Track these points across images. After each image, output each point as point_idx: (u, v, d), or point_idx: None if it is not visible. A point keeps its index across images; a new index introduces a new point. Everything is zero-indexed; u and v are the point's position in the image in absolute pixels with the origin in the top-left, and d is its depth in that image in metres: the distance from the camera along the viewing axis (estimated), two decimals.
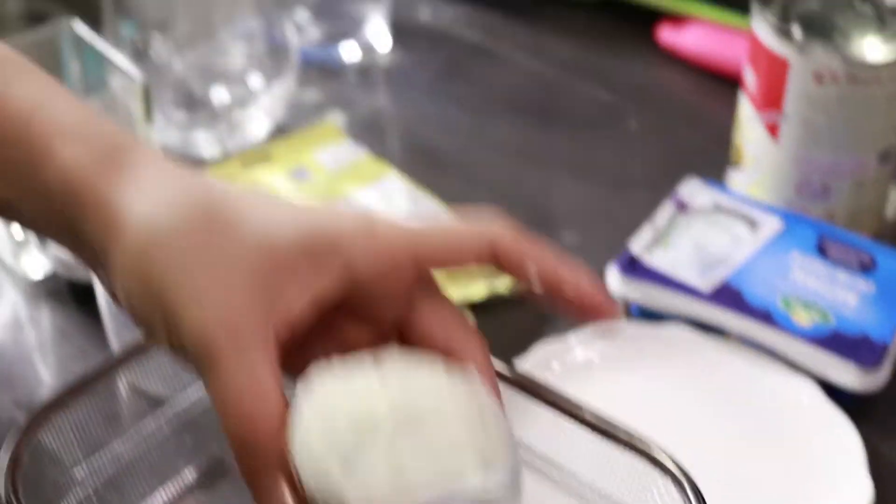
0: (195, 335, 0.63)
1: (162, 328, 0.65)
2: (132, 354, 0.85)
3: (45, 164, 0.67)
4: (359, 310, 0.69)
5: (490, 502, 0.65)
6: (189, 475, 0.92)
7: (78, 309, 1.16)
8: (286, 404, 0.65)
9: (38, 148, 0.67)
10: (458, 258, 0.69)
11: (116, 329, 1.03)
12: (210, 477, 0.93)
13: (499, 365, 0.78)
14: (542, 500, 0.85)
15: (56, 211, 0.68)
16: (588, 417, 0.80)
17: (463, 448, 0.65)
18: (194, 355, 0.64)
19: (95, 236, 0.66)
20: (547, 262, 0.69)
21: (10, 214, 0.71)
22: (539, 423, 0.84)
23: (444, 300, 0.71)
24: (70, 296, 1.18)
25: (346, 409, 0.65)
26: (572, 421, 0.80)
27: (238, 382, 0.63)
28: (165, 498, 0.90)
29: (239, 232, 0.65)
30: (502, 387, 0.73)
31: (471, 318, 0.86)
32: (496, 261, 0.68)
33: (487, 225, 0.69)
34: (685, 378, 1.05)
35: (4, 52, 0.72)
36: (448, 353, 0.70)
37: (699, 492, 0.75)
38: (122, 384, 0.88)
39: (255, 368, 0.63)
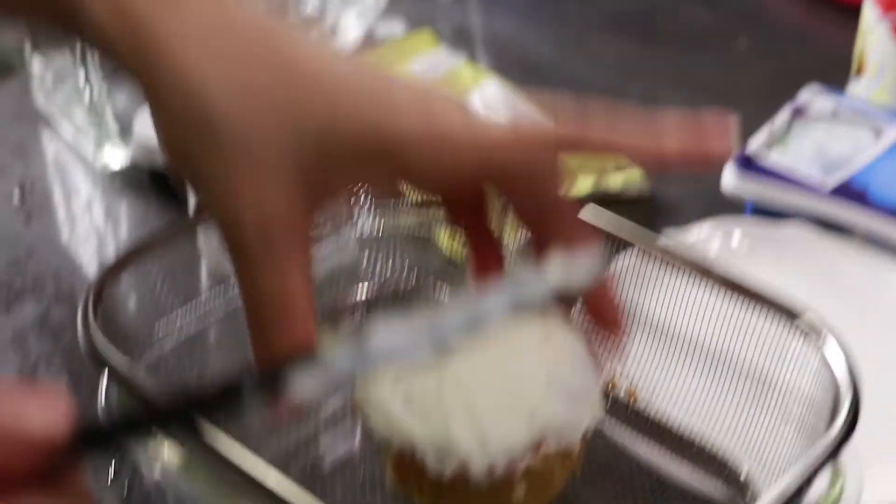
0: (227, 225, 0.57)
1: (197, 187, 0.58)
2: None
3: None
4: None
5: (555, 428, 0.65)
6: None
7: (158, 198, 1.12)
8: (314, 312, 0.59)
9: None
10: (530, 165, 0.61)
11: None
12: None
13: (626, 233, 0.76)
14: (674, 373, 0.79)
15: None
16: (721, 275, 0.74)
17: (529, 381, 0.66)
18: (225, 242, 0.57)
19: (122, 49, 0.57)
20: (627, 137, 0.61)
21: None
22: (665, 293, 0.79)
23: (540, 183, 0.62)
24: (150, 186, 1.14)
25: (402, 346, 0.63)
26: (704, 283, 0.75)
27: (265, 287, 0.57)
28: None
29: (297, 110, 0.56)
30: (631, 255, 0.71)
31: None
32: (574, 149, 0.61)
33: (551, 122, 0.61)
34: (805, 276, 0.98)
35: None
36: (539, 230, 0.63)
37: (841, 346, 0.69)
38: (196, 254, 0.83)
39: (284, 274, 0.57)
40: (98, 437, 0.44)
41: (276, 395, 0.44)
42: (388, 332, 0.44)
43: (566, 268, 0.46)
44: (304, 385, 0.43)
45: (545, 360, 0.67)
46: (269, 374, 0.43)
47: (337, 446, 0.81)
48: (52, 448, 0.43)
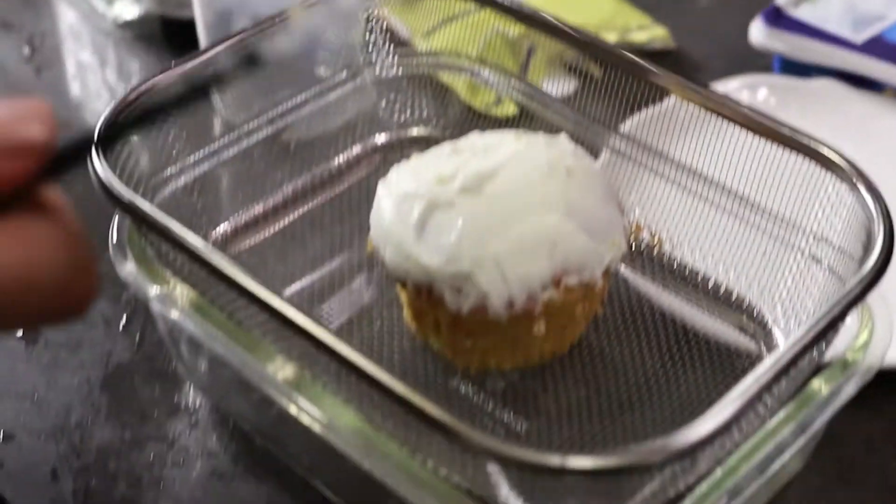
0: None
1: None
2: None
3: None
4: None
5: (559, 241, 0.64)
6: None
7: (170, 48, 1.10)
8: None
9: None
10: None
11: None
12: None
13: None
14: (701, 220, 0.77)
15: None
16: (755, 119, 0.71)
17: (533, 197, 0.65)
18: None
19: None
20: None
21: None
22: (695, 140, 0.77)
23: None
24: (162, 36, 1.11)
25: (418, 184, 0.66)
26: (735, 128, 0.72)
27: None
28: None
29: None
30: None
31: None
32: None
33: None
34: (833, 131, 0.94)
35: None
36: None
37: (874, 188, 0.66)
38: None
39: None
40: (77, 149, 0.42)
41: (259, 63, 0.43)
42: None
43: None
44: (280, 45, 0.43)
45: (566, 191, 0.65)
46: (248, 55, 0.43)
47: (353, 299, 0.79)
48: (35, 155, 0.42)
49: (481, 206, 0.64)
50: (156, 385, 0.80)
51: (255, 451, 0.76)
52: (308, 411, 0.62)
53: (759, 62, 1.05)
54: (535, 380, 0.72)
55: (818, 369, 0.65)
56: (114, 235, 0.71)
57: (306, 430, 0.63)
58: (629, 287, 0.78)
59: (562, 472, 0.52)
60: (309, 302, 0.78)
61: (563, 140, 0.69)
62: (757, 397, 0.55)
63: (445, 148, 0.69)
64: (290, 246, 0.81)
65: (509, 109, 0.86)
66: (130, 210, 0.64)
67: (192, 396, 0.79)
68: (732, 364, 0.73)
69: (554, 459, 0.52)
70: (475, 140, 0.69)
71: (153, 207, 0.65)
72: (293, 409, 0.63)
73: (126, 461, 0.75)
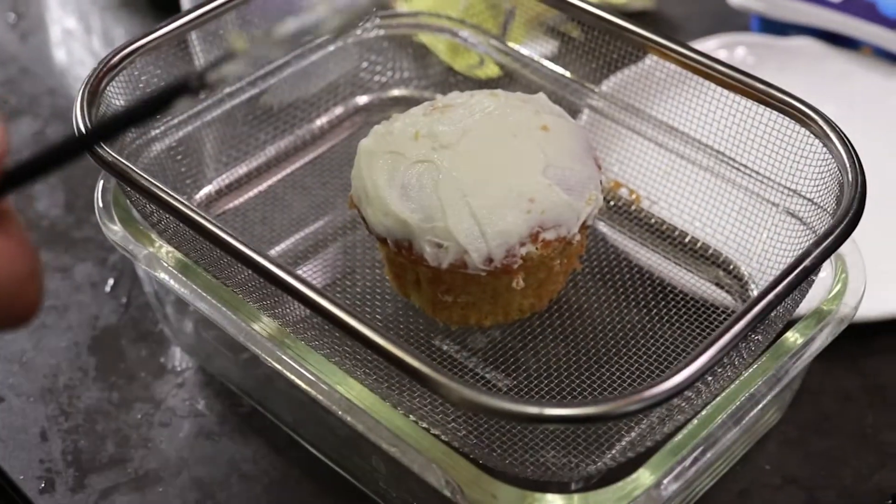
0: None
1: None
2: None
3: None
4: None
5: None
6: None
7: (155, 15, 1.10)
8: None
9: None
10: None
11: None
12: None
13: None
14: (677, 176, 0.78)
15: None
16: (723, 71, 0.72)
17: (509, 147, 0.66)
18: None
19: None
20: None
21: None
22: (672, 99, 0.79)
23: None
24: (147, 4, 1.12)
25: (397, 142, 0.67)
26: (711, 85, 0.73)
27: None
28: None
29: None
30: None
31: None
32: None
33: None
34: (811, 89, 0.95)
35: None
36: None
37: (846, 140, 0.67)
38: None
39: None
40: (32, 166, 0.42)
41: (207, 86, 0.43)
42: (292, 19, 0.44)
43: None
44: (227, 71, 0.44)
45: (543, 148, 0.66)
46: (197, 73, 0.43)
47: (336, 260, 0.80)
48: None
49: (459, 162, 0.65)
50: (142, 347, 0.81)
51: (241, 410, 0.77)
52: (292, 368, 0.64)
53: (737, 22, 1.06)
54: (515, 337, 0.73)
55: (793, 322, 0.67)
56: (99, 198, 0.72)
57: (291, 388, 0.64)
58: (607, 244, 0.79)
59: (539, 420, 0.53)
60: (292, 263, 0.79)
61: (540, 98, 0.70)
62: (730, 347, 0.56)
63: (424, 106, 0.70)
64: (273, 208, 0.82)
65: (491, 70, 0.87)
66: (116, 171, 0.65)
67: (178, 358, 0.80)
68: (710, 318, 0.74)
69: (532, 409, 0.53)
70: (454, 98, 0.70)
71: (137, 170, 0.65)
72: (278, 366, 0.64)
73: (114, 422, 0.76)
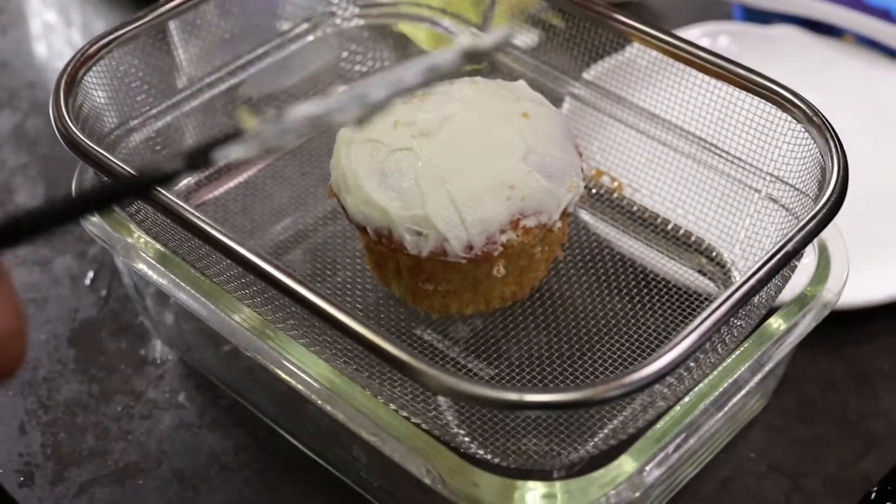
0: None
1: None
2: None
3: None
4: None
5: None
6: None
7: (136, 9, 1.09)
8: None
9: None
10: None
11: None
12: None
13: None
14: (660, 164, 0.78)
15: None
16: (705, 57, 0.72)
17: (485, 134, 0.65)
18: None
19: None
20: None
21: None
22: (651, 87, 0.78)
23: None
24: None
25: (376, 130, 0.66)
26: (694, 73, 0.73)
27: None
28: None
29: None
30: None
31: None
32: None
33: None
34: (794, 77, 0.95)
35: None
36: None
37: (828, 125, 0.67)
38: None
39: None
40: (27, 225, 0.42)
41: (208, 165, 0.43)
42: (308, 105, 0.43)
43: (473, 38, 0.46)
44: (232, 153, 0.43)
45: (523, 134, 0.65)
46: (200, 150, 0.43)
47: (316, 251, 0.80)
48: None
49: (439, 149, 0.64)
50: (122, 339, 0.80)
51: (221, 402, 0.76)
52: (273, 358, 0.63)
53: (719, 10, 1.06)
54: (497, 326, 0.73)
55: (777, 309, 0.66)
56: (75, 189, 0.71)
57: (272, 379, 0.64)
58: (589, 232, 0.78)
59: (520, 406, 0.53)
60: (272, 254, 0.78)
61: (520, 85, 0.70)
62: (713, 332, 0.55)
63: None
64: (253, 199, 0.82)
65: None
66: (93, 160, 0.64)
67: (158, 350, 0.79)
68: (692, 306, 0.73)
69: (512, 395, 0.53)
70: (433, 86, 0.69)
71: (114, 159, 0.65)
72: (258, 357, 0.63)
73: (94, 414, 0.76)
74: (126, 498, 0.71)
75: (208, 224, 0.60)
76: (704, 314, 0.56)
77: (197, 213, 0.61)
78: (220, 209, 0.80)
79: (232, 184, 0.82)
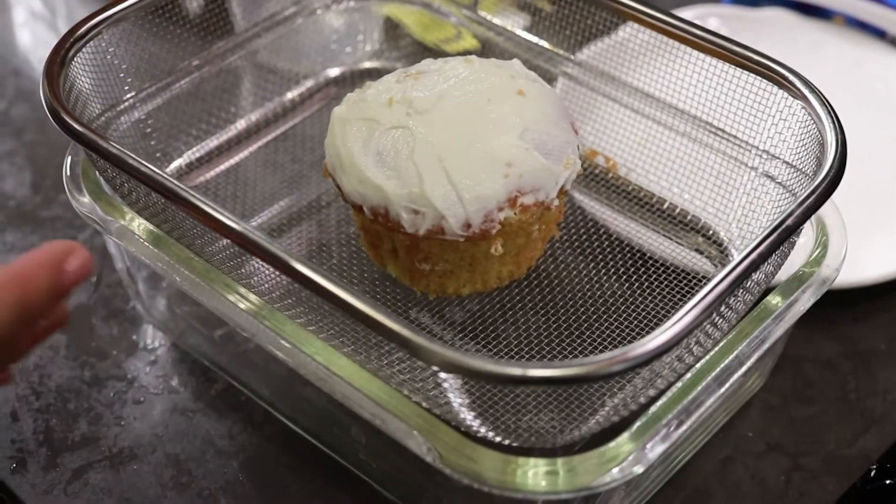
0: None
1: None
2: None
3: None
4: None
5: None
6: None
7: None
8: None
9: None
10: None
11: None
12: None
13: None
14: (655, 143, 0.78)
15: None
16: (701, 35, 0.71)
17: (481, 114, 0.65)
18: None
19: None
20: None
21: None
22: (645, 66, 0.78)
23: None
24: None
25: (371, 109, 0.66)
26: (689, 50, 0.73)
27: None
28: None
29: None
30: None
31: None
32: None
33: None
34: (785, 58, 0.95)
35: None
36: None
37: (825, 101, 0.67)
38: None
39: None
40: None
41: None
42: None
43: None
44: None
45: (519, 112, 0.65)
46: None
47: (311, 234, 0.79)
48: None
49: (435, 128, 0.64)
50: (114, 325, 0.79)
51: (215, 386, 0.75)
52: (269, 338, 0.62)
53: None
54: (494, 307, 0.72)
55: (775, 287, 0.66)
56: (67, 169, 0.70)
57: (267, 361, 0.63)
58: (585, 212, 0.78)
59: (523, 381, 0.52)
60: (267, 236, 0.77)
61: (515, 63, 0.69)
62: (715, 307, 0.55)
63: (398, 73, 0.69)
64: (245, 182, 0.81)
65: (468, 44, 0.86)
66: (85, 140, 0.64)
67: (150, 335, 0.79)
68: (689, 286, 0.73)
69: (515, 370, 0.52)
70: (427, 65, 0.69)
71: (106, 138, 0.64)
72: (254, 337, 0.63)
73: (86, 400, 0.75)
74: (120, 483, 0.70)
75: (202, 201, 0.60)
76: (707, 288, 0.55)
77: (192, 192, 0.60)
78: (212, 193, 0.79)
79: (223, 167, 0.81)
